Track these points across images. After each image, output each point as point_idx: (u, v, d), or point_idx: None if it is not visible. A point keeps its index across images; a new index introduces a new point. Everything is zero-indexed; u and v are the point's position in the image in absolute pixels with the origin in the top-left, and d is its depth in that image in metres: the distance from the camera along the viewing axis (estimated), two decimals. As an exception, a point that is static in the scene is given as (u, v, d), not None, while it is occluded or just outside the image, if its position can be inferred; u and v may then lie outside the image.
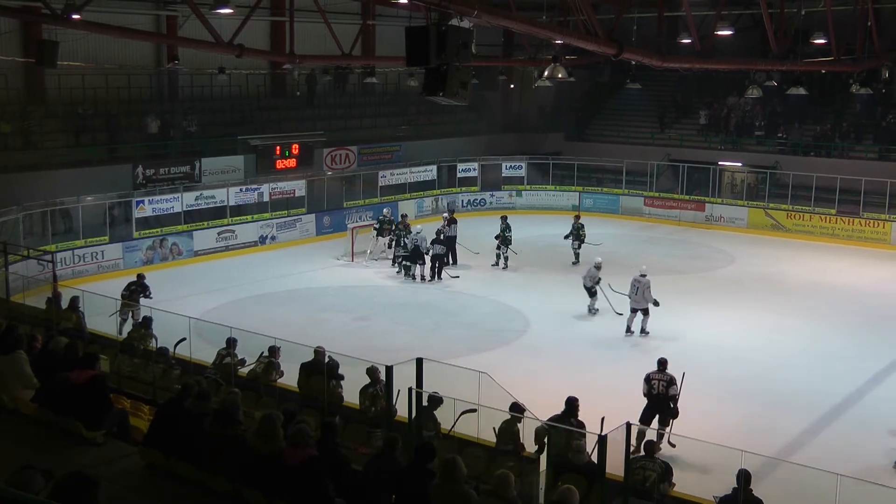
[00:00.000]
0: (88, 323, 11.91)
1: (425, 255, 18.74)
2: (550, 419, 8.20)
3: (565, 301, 17.29)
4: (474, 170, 27.58)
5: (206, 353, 10.83)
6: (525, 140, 30.14)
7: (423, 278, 18.68)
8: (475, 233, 21.53)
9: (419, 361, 8.21)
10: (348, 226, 21.87)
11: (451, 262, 19.42)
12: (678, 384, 10.07)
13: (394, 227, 19.32)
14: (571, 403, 8.48)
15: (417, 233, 18.76)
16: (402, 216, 20.63)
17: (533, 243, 20.52)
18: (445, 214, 20.37)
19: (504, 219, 19.90)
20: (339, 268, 20.11)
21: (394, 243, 19.06)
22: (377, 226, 20.01)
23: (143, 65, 22.73)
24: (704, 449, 8.30)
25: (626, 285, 15.15)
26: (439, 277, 18.46)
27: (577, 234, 19.51)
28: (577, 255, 19.64)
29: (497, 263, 19.47)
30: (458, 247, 19.49)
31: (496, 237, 19.62)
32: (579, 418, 8.35)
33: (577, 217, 19.71)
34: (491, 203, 27.52)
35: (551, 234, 20.38)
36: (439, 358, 10.11)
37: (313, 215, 23.16)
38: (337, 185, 24.34)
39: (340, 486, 5.38)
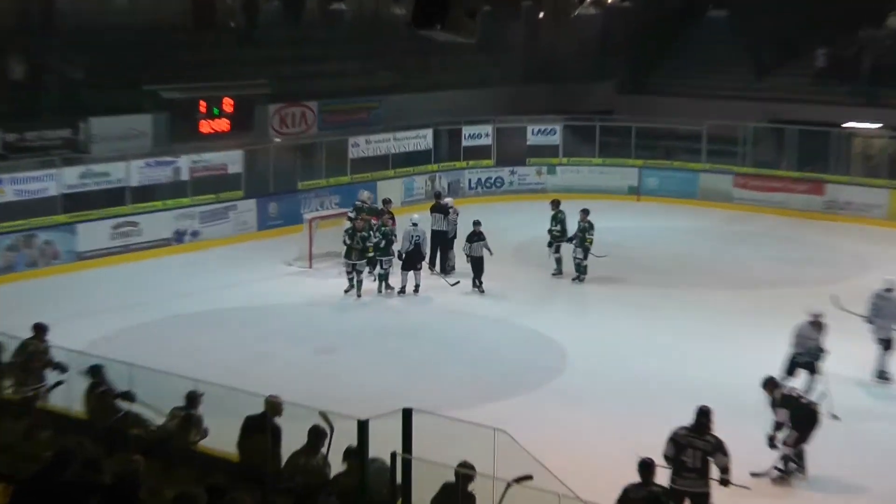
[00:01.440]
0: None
1: (426, 258, 19.24)
2: (678, 432, 9.75)
3: (620, 327, 17.27)
4: (487, 136, 27.34)
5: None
6: (560, 94, 30.04)
7: (416, 289, 18.91)
8: (483, 229, 21.01)
9: (407, 413, 8.40)
10: (305, 216, 21.75)
11: (437, 264, 19.96)
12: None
13: (360, 218, 19.17)
14: (704, 414, 9.83)
15: (414, 225, 18.94)
16: (383, 202, 20.70)
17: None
18: (447, 200, 20.86)
19: (556, 204, 20.29)
20: (291, 277, 20.13)
21: (352, 241, 18.75)
22: (353, 215, 19.95)
23: (2, -17, 22.92)
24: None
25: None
26: (479, 287, 19.09)
27: (582, 240, 19.52)
28: (581, 269, 19.71)
29: (559, 271, 20.13)
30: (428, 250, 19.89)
31: (549, 230, 20.12)
32: (714, 433, 9.77)
33: (585, 213, 19.70)
34: (511, 183, 27.29)
35: (602, 227, 20.26)
36: (437, 408, 10.24)
37: (254, 201, 23.10)
38: (288, 158, 24.24)
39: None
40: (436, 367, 15.55)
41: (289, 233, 22.43)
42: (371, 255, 18.75)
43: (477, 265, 19.16)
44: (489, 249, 19.12)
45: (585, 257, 19.64)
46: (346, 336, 16.91)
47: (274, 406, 9.57)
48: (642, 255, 21.69)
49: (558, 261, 20.07)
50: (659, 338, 16.75)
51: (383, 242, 18.83)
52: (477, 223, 19.30)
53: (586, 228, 19.53)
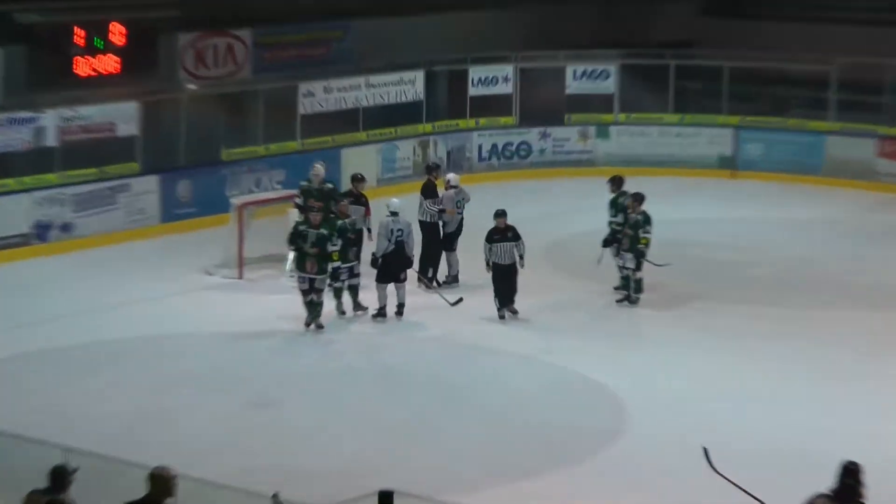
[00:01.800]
0: None
1: (415, 263, 19.39)
2: (816, 501, 9.78)
3: (704, 369, 17.14)
4: (506, 81, 27.66)
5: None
6: (616, 17, 30.65)
7: (399, 310, 18.92)
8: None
9: (385, 498, 8.81)
10: (232, 202, 21.81)
11: (430, 272, 20.13)
12: None
13: (315, 207, 18.91)
14: (852, 472, 9.89)
15: (394, 214, 18.98)
16: (352, 180, 20.77)
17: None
18: (449, 177, 21.17)
19: (617, 183, 20.34)
20: (212, 292, 20.29)
21: (303, 243, 18.62)
22: (300, 200, 20.22)
23: None
24: None
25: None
26: (508, 310, 19.19)
27: (634, 240, 19.34)
28: (632, 286, 19.65)
29: (621, 289, 20.16)
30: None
31: (609, 223, 20.12)
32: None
33: (638, 201, 19.56)
34: (542, 152, 27.62)
35: (675, 220, 20.78)
36: (431, 488, 10.88)
37: (155, 178, 23.23)
38: (209, 115, 24.38)
39: None
40: (430, 428, 15.34)
41: (208, 226, 22.53)
42: (337, 262, 18.57)
43: (504, 278, 18.88)
44: (521, 257, 18.88)
45: (639, 267, 19.51)
46: (293, 382, 16.67)
47: (163, 482, 9.44)
48: (738, 260, 21.55)
49: (627, 274, 19.94)
50: (761, 386, 16.40)
51: (339, 242, 18.48)
52: (501, 213, 19.11)
53: (640, 223, 19.44)
